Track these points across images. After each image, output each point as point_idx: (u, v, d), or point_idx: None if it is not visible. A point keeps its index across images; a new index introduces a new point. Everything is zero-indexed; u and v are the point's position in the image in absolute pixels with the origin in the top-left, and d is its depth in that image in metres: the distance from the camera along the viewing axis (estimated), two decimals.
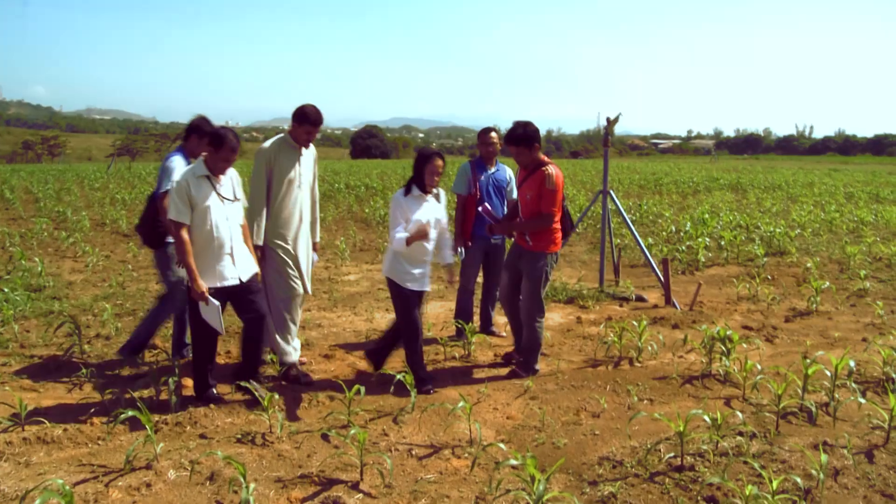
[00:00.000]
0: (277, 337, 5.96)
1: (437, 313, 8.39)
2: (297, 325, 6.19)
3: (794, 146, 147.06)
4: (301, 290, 6.09)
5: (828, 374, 5.73)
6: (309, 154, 6.10)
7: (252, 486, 3.90)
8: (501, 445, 4.55)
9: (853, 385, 5.75)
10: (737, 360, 6.24)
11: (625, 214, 9.67)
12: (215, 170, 5.25)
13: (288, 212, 5.91)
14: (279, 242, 5.91)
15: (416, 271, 5.76)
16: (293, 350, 6.08)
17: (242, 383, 5.40)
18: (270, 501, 4.06)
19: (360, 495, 4.15)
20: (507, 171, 7.35)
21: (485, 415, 5.43)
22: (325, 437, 4.92)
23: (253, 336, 5.52)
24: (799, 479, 4.20)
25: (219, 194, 5.27)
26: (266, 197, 5.85)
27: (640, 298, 9.33)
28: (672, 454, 4.65)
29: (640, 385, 6.06)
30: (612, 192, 9.52)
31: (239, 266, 5.38)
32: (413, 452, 4.76)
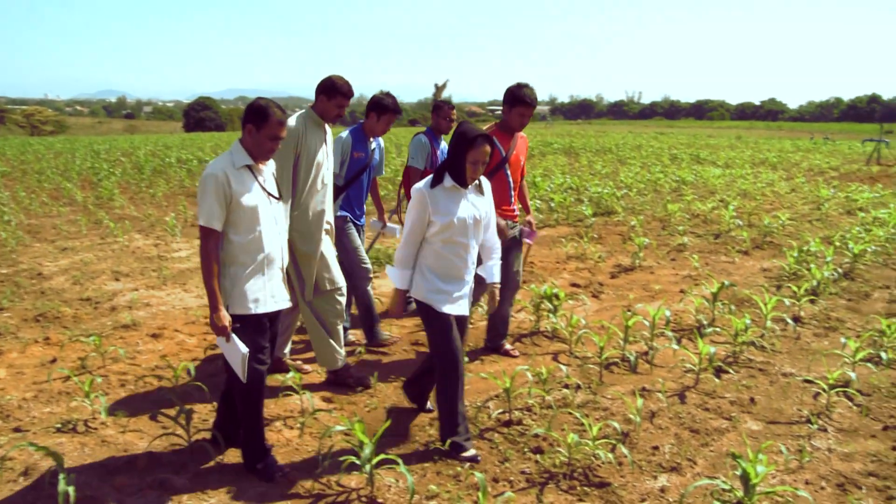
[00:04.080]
0: (320, 346, 5.35)
1: None
2: (342, 324, 5.43)
3: (625, 111, 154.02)
4: (341, 284, 5.34)
5: (647, 324, 6.07)
6: (329, 132, 5.28)
7: (72, 476, 3.71)
8: (331, 412, 4.54)
9: (669, 333, 6.10)
10: (564, 317, 6.48)
11: None
12: (259, 154, 3.95)
13: (316, 201, 5.10)
14: (307, 239, 5.11)
15: (451, 289, 4.24)
16: (341, 356, 5.40)
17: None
18: (93, 490, 3.87)
19: (190, 475, 4.04)
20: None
21: (316, 384, 5.40)
22: (152, 418, 4.75)
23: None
24: (618, 425, 4.44)
25: (265, 190, 4.00)
26: (293, 185, 5.01)
27: None
28: (501, 410, 4.80)
29: (470, 346, 6.20)
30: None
31: (285, 284, 4.20)
32: None
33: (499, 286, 4.57)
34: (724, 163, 25.65)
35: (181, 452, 4.28)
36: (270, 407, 4.95)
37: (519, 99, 5.46)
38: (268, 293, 3.98)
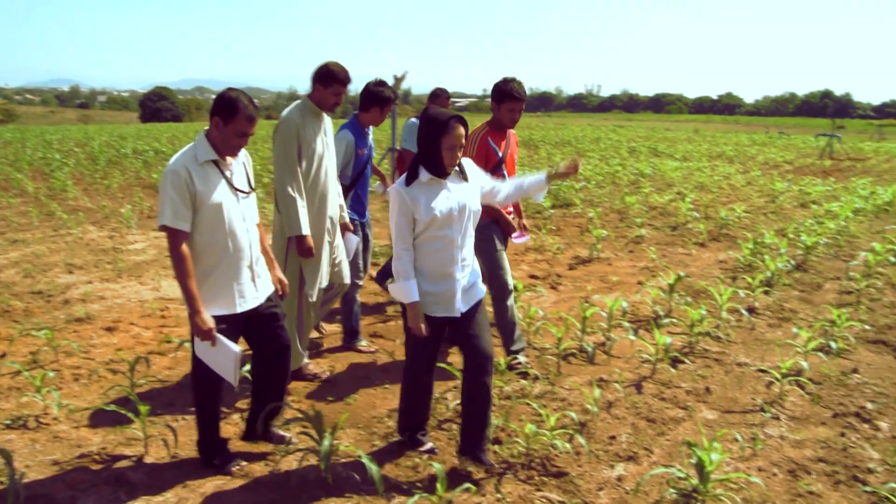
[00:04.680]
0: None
1: None
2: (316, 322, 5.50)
3: (584, 104, 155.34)
4: (325, 285, 5.17)
5: (604, 315, 6.12)
6: (328, 122, 5.09)
7: (22, 473, 3.64)
8: (290, 405, 4.50)
9: (627, 324, 6.16)
10: (522, 308, 6.49)
11: None
12: (225, 150, 3.72)
13: (318, 195, 4.95)
14: (313, 231, 4.95)
15: (439, 289, 3.86)
16: (304, 356, 5.33)
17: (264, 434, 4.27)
18: (46, 487, 3.79)
19: (146, 470, 3.99)
20: None
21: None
22: (107, 413, 4.66)
23: (280, 368, 4.18)
24: (575, 415, 4.48)
25: (232, 186, 3.78)
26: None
27: None
28: (458, 401, 4.78)
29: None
30: (399, 149, 9.59)
31: (260, 282, 3.98)
32: None
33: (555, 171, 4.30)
34: (681, 156, 25.97)
35: (137, 447, 4.23)
36: (227, 400, 4.90)
37: (507, 94, 5.25)
38: (236, 294, 3.81)
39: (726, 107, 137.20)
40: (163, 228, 3.59)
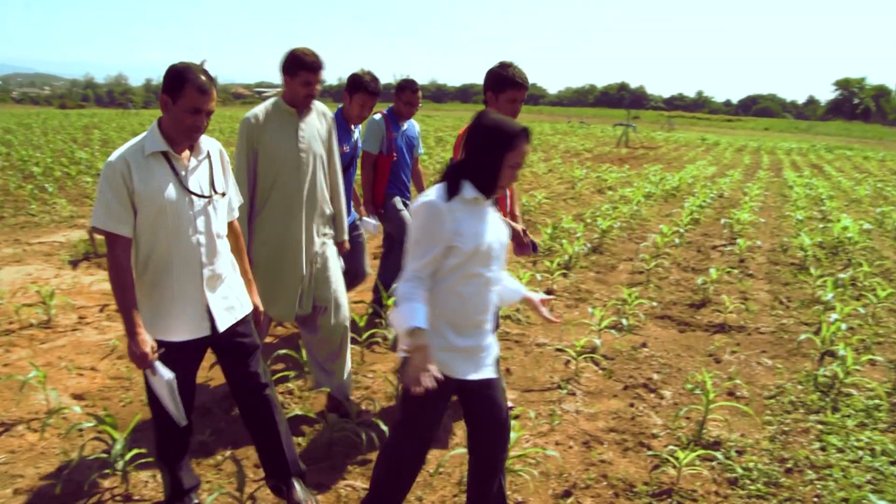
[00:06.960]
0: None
1: (13, 279, 7.55)
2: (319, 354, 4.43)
3: (392, 94, 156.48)
4: (294, 313, 4.28)
5: None
6: (315, 119, 4.24)
7: None
8: (77, 409, 4.23)
9: None
10: None
11: None
12: (179, 136, 3.01)
13: (285, 206, 4.11)
14: (266, 247, 4.16)
15: (470, 343, 2.97)
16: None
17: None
18: None
19: None
20: (415, 127, 6.25)
21: (66, 381, 5.01)
22: None
23: (263, 409, 3.42)
24: (379, 402, 4.48)
25: (182, 184, 3.04)
26: (252, 184, 4.10)
27: None
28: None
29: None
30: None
31: (216, 306, 3.18)
32: None
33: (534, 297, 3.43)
34: None
35: None
36: (12, 410, 4.54)
37: (507, 80, 4.19)
38: (176, 317, 3.12)
39: (531, 97, 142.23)
40: (94, 230, 3.09)
